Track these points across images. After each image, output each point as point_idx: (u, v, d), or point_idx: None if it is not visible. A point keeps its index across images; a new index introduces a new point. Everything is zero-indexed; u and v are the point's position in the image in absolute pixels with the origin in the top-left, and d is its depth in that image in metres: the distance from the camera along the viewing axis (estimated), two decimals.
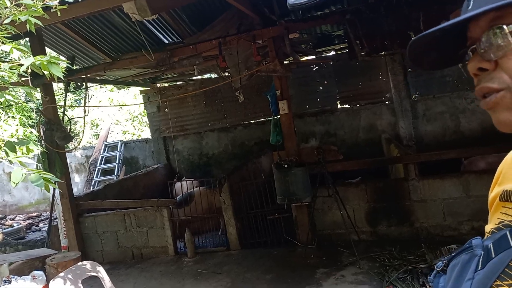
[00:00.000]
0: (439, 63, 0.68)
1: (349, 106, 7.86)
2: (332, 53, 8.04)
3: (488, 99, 0.58)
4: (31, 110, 12.34)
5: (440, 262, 0.74)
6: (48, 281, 3.63)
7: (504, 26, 0.53)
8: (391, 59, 7.15)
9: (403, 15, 4.53)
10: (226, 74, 6.42)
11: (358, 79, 7.57)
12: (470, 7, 0.58)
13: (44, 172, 1.69)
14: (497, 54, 0.55)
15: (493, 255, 0.59)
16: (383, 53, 6.13)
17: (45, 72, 1.52)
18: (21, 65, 1.47)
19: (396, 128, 7.40)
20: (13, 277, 3.81)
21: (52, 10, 2.01)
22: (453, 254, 0.70)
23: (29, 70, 1.48)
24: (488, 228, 0.70)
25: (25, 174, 1.56)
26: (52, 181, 1.73)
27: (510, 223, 0.62)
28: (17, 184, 1.51)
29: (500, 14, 0.54)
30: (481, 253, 0.62)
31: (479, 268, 0.60)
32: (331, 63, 7.73)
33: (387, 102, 7.50)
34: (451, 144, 6.88)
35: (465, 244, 0.68)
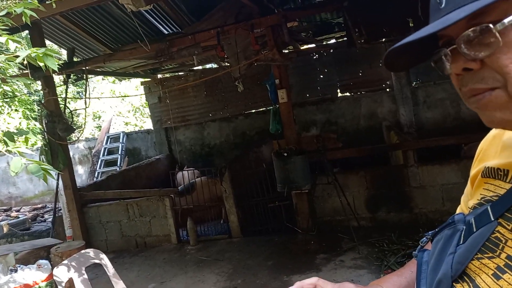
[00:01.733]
0: (409, 64, 0.67)
1: (349, 94, 7.85)
2: (333, 41, 8.01)
3: (480, 97, 0.56)
4: (34, 103, 12.41)
5: (424, 238, 0.76)
6: (53, 270, 3.71)
7: (491, 25, 0.51)
8: (390, 46, 7.11)
9: (401, 2, 4.50)
10: (226, 64, 6.42)
11: (359, 67, 7.55)
12: (443, 5, 0.55)
13: (43, 163, 1.73)
14: (484, 54, 0.52)
15: (475, 230, 0.61)
16: (383, 40, 6.11)
17: (41, 64, 1.55)
18: (18, 56, 1.51)
19: (397, 116, 7.40)
20: (19, 266, 3.90)
21: (47, 2, 2.04)
22: (436, 229, 0.71)
23: (25, 62, 1.51)
24: (470, 203, 0.72)
25: (24, 164, 1.60)
26: (51, 172, 1.78)
27: (491, 199, 0.64)
28: (16, 173, 1.55)
29: (478, 12, 0.50)
30: (463, 228, 0.64)
31: (461, 242, 0.62)
32: (331, 51, 7.70)
33: (387, 90, 7.49)
34: (452, 130, 6.88)
35: (448, 220, 0.70)
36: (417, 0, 4.47)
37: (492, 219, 0.59)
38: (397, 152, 5.60)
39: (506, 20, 0.50)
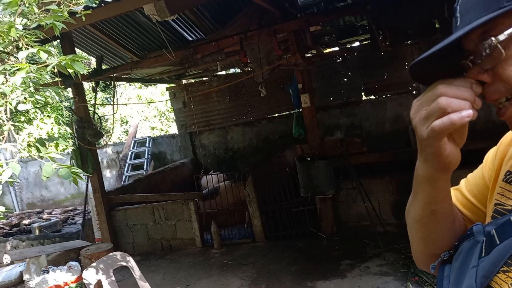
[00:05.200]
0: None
1: (374, 98, 7.73)
2: (357, 44, 7.92)
3: (501, 111, 0.61)
4: (64, 109, 12.86)
5: (447, 252, 0.74)
6: (82, 271, 3.83)
7: (493, 38, 0.55)
8: (417, 49, 6.97)
9: (426, 4, 4.42)
10: (249, 69, 6.47)
11: (383, 70, 7.42)
12: (458, 23, 0.60)
13: (72, 167, 1.81)
14: (490, 65, 0.57)
15: (498, 242, 0.59)
16: (408, 42, 6.00)
17: (70, 71, 1.62)
18: (48, 65, 1.59)
19: None
20: (50, 267, 4.05)
21: (77, 15, 2.13)
22: (456, 243, 0.70)
23: (56, 70, 1.59)
24: (489, 208, 0.71)
25: (55, 168, 1.68)
26: (80, 175, 1.85)
27: None
28: (48, 178, 1.63)
29: (488, 28, 0.56)
30: (483, 239, 0.62)
31: (483, 254, 0.60)
32: (355, 54, 7.62)
33: (413, 92, 7.33)
34: (482, 134, 6.65)
35: (466, 231, 0.68)
36: (443, 1, 4.38)
37: None
38: None
39: (506, 32, 0.54)
